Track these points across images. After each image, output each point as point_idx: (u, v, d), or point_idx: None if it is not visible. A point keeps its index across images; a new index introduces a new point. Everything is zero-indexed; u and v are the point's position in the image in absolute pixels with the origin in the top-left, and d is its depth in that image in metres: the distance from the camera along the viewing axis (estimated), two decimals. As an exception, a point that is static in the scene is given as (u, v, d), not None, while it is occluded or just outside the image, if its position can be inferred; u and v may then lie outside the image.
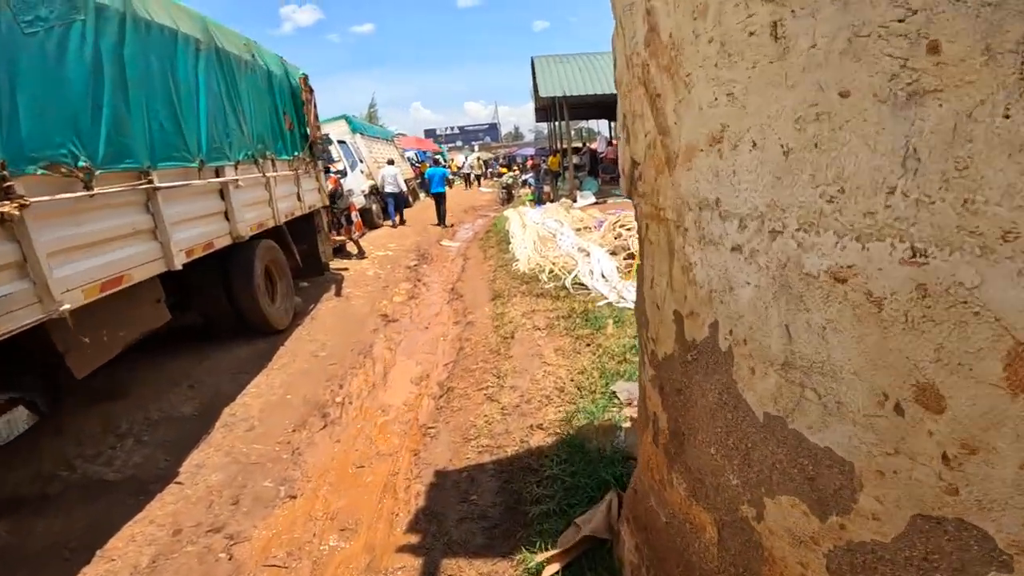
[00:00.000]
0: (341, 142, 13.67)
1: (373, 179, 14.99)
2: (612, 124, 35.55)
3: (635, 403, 4.08)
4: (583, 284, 6.66)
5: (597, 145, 19.93)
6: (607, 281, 6.59)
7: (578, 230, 9.34)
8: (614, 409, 4.04)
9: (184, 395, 5.06)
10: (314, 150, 7.30)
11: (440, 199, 14.54)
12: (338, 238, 9.89)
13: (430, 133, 60.64)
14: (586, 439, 3.63)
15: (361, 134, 15.40)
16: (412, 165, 22.76)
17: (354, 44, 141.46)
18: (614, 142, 22.40)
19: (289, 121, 6.49)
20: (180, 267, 3.80)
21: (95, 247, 3.10)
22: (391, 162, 16.08)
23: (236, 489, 3.82)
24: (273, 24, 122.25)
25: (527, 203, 17.93)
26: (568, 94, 15.38)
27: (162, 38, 3.76)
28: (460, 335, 6.26)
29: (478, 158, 23.82)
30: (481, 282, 8.10)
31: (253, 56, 5.72)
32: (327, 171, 10.49)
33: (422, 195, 21.21)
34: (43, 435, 4.15)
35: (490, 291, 7.43)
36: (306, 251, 7.56)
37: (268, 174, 5.64)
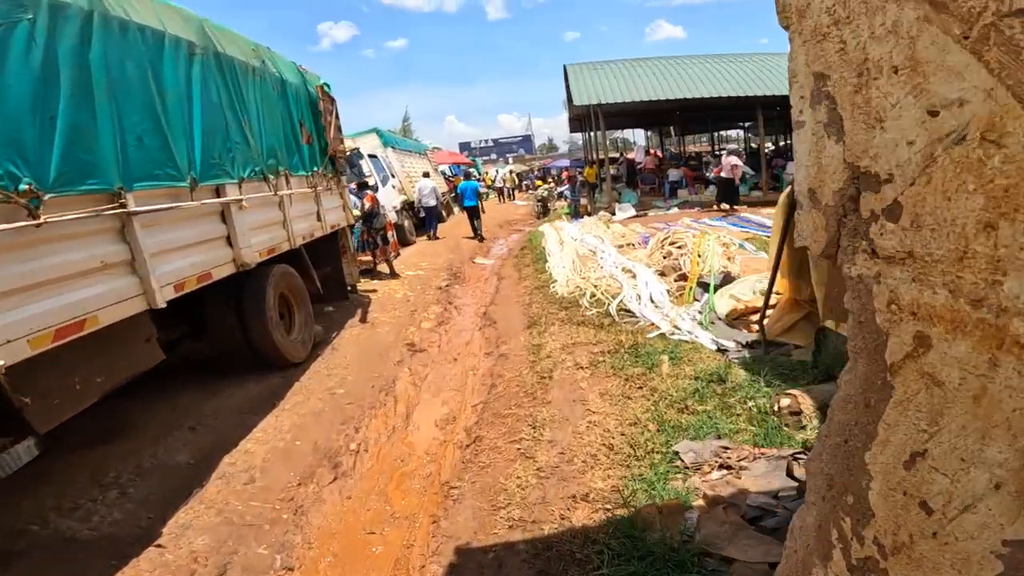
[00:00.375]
0: (372, 156, 13.29)
1: (405, 194, 14.56)
2: (648, 133, 34.60)
3: (705, 469, 3.30)
4: (629, 311, 5.88)
5: (635, 155, 19.12)
6: (657, 308, 5.80)
7: (620, 247, 8.57)
8: (678, 477, 3.27)
9: (183, 439, 4.53)
10: (336, 164, 6.78)
11: (473, 212, 14.27)
12: (364, 258, 9.36)
13: (464, 146, 60.76)
14: (645, 523, 2.86)
15: (393, 148, 15.02)
16: (446, 179, 22.44)
17: (388, 59, 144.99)
18: (653, 151, 21.57)
19: (307, 134, 5.98)
20: (164, 305, 3.24)
21: (45, 288, 2.54)
22: (427, 175, 15.85)
23: (224, 556, 3.24)
24: (312, 41, 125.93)
25: (563, 216, 17.23)
26: (604, 102, 14.65)
27: (143, 41, 3.25)
28: (492, 369, 5.58)
29: (511, 171, 23.14)
30: (516, 306, 7.41)
31: (263, 62, 5.23)
32: (363, 188, 10.06)
33: (456, 209, 20.74)
34: (27, 478, 3.66)
35: (525, 317, 6.73)
36: (329, 274, 7.03)
37: (281, 192, 5.11)
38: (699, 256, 6.25)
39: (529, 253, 10.57)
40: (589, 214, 15.97)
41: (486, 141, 67.07)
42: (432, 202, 14.09)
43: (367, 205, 9.65)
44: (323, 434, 4.62)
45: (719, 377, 4.17)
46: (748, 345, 4.81)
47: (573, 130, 28.42)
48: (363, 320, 7.31)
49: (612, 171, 22.82)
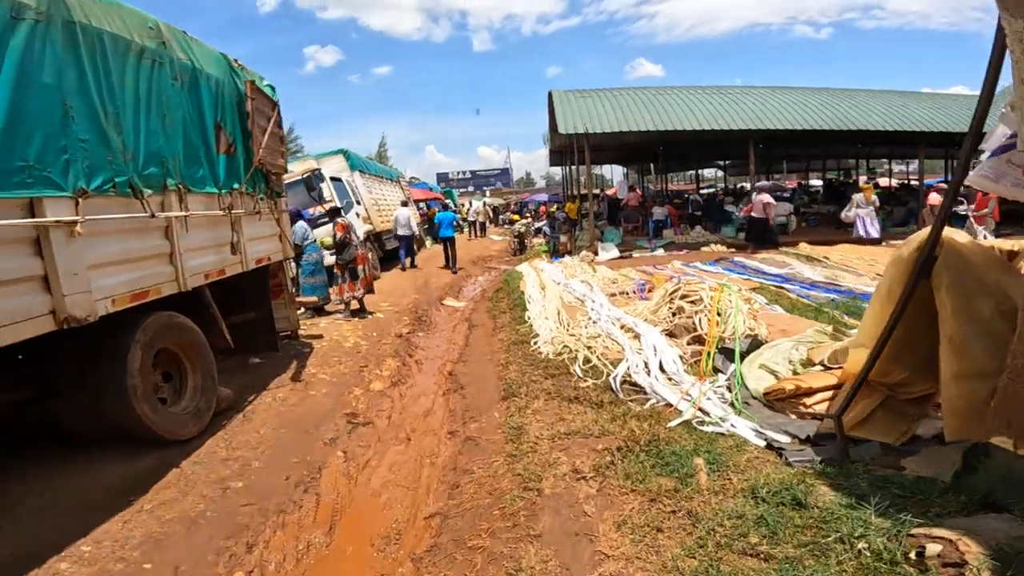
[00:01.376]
0: (335, 179, 11.87)
1: (372, 223, 13.13)
2: (625, 171, 34.09)
3: None
4: (636, 384, 4.51)
5: (617, 191, 18.15)
6: (672, 381, 4.45)
7: (613, 296, 7.29)
8: None
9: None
10: (270, 183, 5.35)
11: (450, 243, 14.09)
12: (307, 300, 7.84)
13: (442, 176, 59.80)
14: None
15: (361, 172, 13.66)
16: (420, 211, 21.16)
17: (372, 85, 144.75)
18: (637, 190, 20.72)
19: (227, 141, 4.56)
20: None
21: None
22: (405, 204, 15.22)
23: None
24: (299, 64, 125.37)
25: (542, 255, 15.98)
26: (591, 131, 13.63)
27: None
28: (456, 459, 4.11)
29: (485, 204, 21.63)
30: (489, 366, 5.97)
31: (164, 45, 3.84)
32: (335, 214, 8.62)
33: (428, 242, 19.40)
34: None
35: (501, 383, 5.29)
36: (255, 320, 5.52)
37: (167, 213, 3.63)
38: (718, 314, 4.94)
39: (505, 297, 9.19)
40: (569, 253, 14.76)
41: (464, 172, 66.38)
42: (407, 232, 13.56)
43: (338, 235, 8.23)
44: (191, 556, 3.09)
45: (794, 498, 2.79)
46: (810, 441, 3.47)
47: (553, 163, 27.60)
48: (296, 378, 5.77)
49: (593, 208, 21.90)
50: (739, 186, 29.96)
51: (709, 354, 4.77)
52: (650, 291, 7.38)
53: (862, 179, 24.11)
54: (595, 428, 3.95)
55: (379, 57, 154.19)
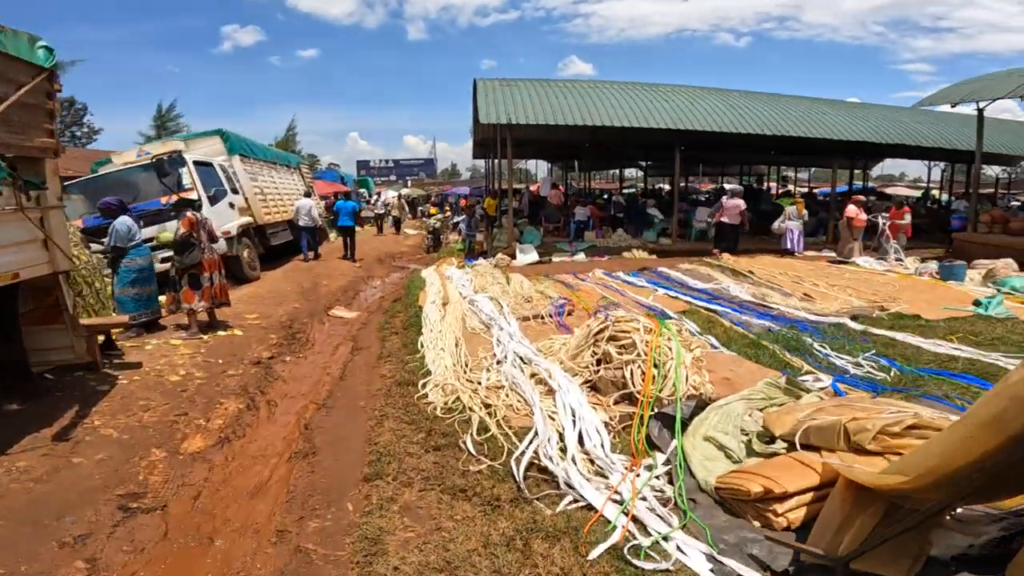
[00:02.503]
0: (203, 165, 9.74)
1: (253, 215, 11.06)
2: (550, 167, 33.19)
3: None
4: (547, 471, 3.20)
5: (539, 188, 17.00)
6: (595, 467, 3.18)
7: (526, 319, 5.96)
8: None
9: None
10: (16, 171, 3.52)
11: (348, 232, 13.59)
12: (93, 321, 5.93)
13: (363, 164, 56.50)
14: None
15: (244, 156, 11.48)
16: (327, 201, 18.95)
17: (295, 69, 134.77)
18: (560, 187, 19.69)
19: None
20: None
21: None
22: (308, 194, 14.25)
23: None
24: (213, 43, 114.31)
25: (456, 254, 14.52)
26: (514, 122, 12.28)
27: None
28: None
29: (399, 196, 19.31)
30: (360, 416, 4.47)
31: None
32: (184, 207, 6.67)
33: (332, 235, 17.33)
34: None
35: (368, 448, 3.83)
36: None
37: None
38: (655, 366, 3.73)
39: (402, 311, 7.64)
40: (484, 253, 13.40)
41: (386, 161, 63.32)
42: (310, 223, 12.76)
43: (180, 231, 6.33)
44: None
45: None
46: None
47: (477, 156, 26.06)
48: (62, 435, 3.96)
49: (514, 204, 20.65)
50: (658, 187, 29.94)
51: (642, 420, 3.53)
52: (569, 314, 6.15)
53: (774, 185, 24.58)
54: (483, 560, 2.57)
55: (305, 40, 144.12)
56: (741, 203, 11.99)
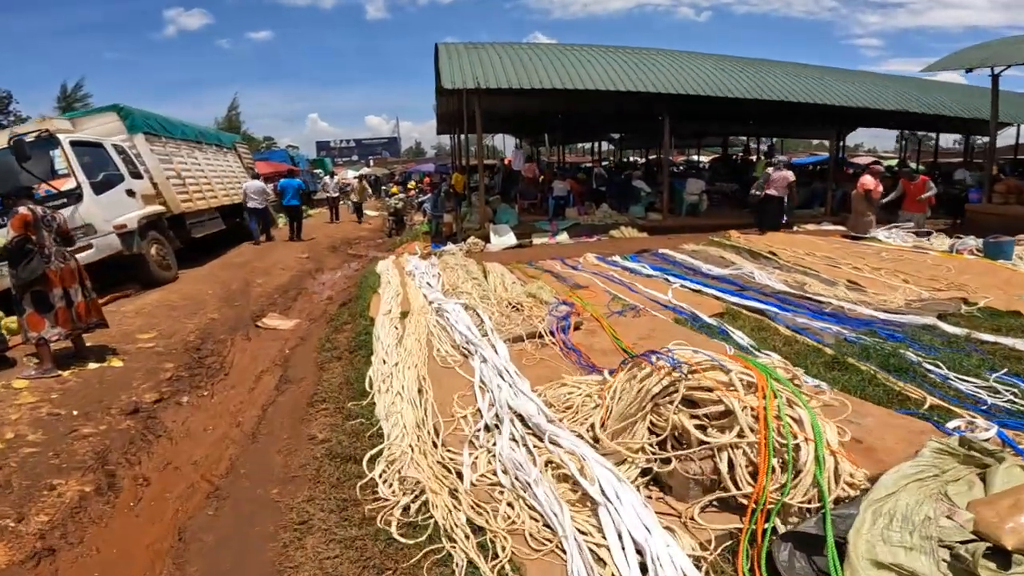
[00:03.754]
0: (88, 145, 7.55)
1: (166, 203, 8.89)
2: (518, 141, 31.04)
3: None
4: None
5: (513, 161, 15.07)
6: None
7: (518, 340, 4.15)
8: None
9: None
10: None
11: (294, 213, 12.88)
12: None
13: (323, 145, 53.02)
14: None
15: (150, 135, 9.20)
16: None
17: (246, 52, 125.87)
18: (548, 156, 17.78)
19: None
20: None
21: None
22: (257, 176, 13.40)
23: None
24: (156, 28, 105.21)
25: (421, 238, 12.57)
26: (483, 86, 10.29)
27: None
28: None
29: (360, 176, 16.32)
30: (266, 524, 2.67)
31: None
32: (19, 197, 4.62)
33: (281, 220, 15.11)
34: None
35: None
36: None
37: None
38: (770, 446, 2.00)
39: (350, 322, 5.74)
40: (454, 236, 11.51)
41: (347, 141, 59.94)
42: (260, 204, 11.97)
43: (11, 235, 4.31)
44: None
45: None
46: None
47: (441, 132, 23.81)
48: None
49: (485, 180, 18.63)
50: (632, 159, 28.21)
51: (755, 540, 1.83)
52: (577, 328, 4.38)
53: (756, 158, 23.13)
54: None
55: (256, 22, 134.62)
56: (790, 174, 10.38)
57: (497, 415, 2.89)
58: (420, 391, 3.40)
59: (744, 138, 24.50)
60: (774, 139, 25.60)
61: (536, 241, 10.87)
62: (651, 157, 24.54)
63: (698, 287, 6.03)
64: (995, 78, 11.09)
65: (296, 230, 12.80)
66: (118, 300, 7.02)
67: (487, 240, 10.71)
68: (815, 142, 32.35)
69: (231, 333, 6.17)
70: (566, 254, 8.77)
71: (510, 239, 10.84)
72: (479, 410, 3.07)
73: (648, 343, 3.95)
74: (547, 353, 4.00)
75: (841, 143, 24.75)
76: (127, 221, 7.34)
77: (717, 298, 5.58)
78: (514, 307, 4.77)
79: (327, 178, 16.61)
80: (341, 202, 18.13)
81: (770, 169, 10.64)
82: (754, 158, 20.37)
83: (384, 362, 3.95)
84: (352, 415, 3.59)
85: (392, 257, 8.61)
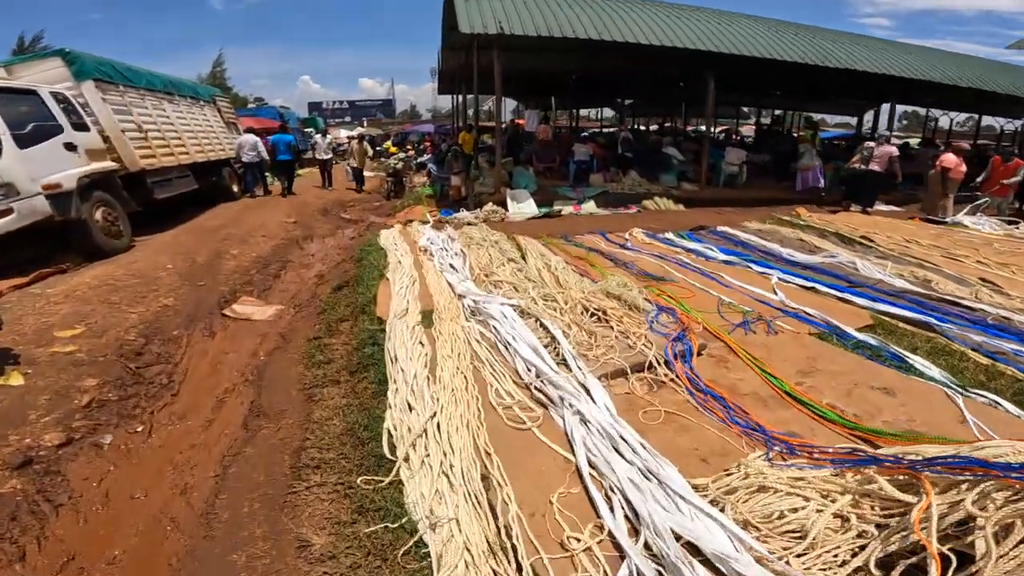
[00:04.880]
0: (21, 92, 5.84)
1: (120, 158, 7.15)
2: (520, 106, 28.88)
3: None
4: None
5: (526, 122, 13.31)
6: None
7: (617, 376, 2.63)
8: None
9: None
10: None
11: (286, 167, 12.33)
12: None
13: (315, 107, 49.91)
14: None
15: (103, 82, 7.38)
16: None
17: (238, 12, 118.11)
18: (554, 121, 16.02)
19: None
20: None
21: None
22: (251, 130, 12.72)
23: None
24: None
25: (425, 201, 10.93)
26: (509, 31, 8.51)
27: None
28: None
29: (360, 137, 13.85)
30: None
31: None
32: None
33: (270, 179, 13.29)
34: None
35: None
36: None
37: None
38: None
39: (351, 320, 4.17)
40: (464, 200, 9.89)
41: (341, 103, 56.93)
42: (255, 158, 11.59)
43: None
44: None
45: None
46: None
47: (443, 91, 21.68)
48: None
49: (490, 142, 16.77)
50: (642, 127, 26.31)
51: None
52: (699, 354, 2.87)
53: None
54: None
55: None
56: (893, 149, 9.03)
57: (652, 549, 1.42)
58: (486, 478, 1.90)
59: (770, 111, 22.68)
60: (796, 112, 23.75)
61: (560, 209, 9.28)
62: (667, 124, 22.66)
63: (810, 284, 4.53)
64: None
65: (288, 184, 12.24)
66: (46, 279, 5.39)
67: (504, 207, 9.11)
68: (832, 119, 30.45)
69: (188, 326, 4.60)
70: (605, 227, 7.22)
71: (530, 206, 9.23)
72: (608, 531, 1.59)
73: (817, 381, 2.49)
74: (669, 398, 2.51)
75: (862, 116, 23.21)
76: (62, 180, 5.63)
77: (845, 300, 4.10)
78: (585, 307, 3.24)
79: (318, 136, 14.55)
80: (335, 163, 16.15)
81: (872, 144, 9.29)
82: (796, 131, 18.64)
83: (410, 407, 2.43)
84: (367, 505, 2.10)
85: (398, 226, 6.98)
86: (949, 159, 8.47)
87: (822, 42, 10.99)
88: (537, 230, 7.08)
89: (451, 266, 4.54)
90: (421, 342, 2.95)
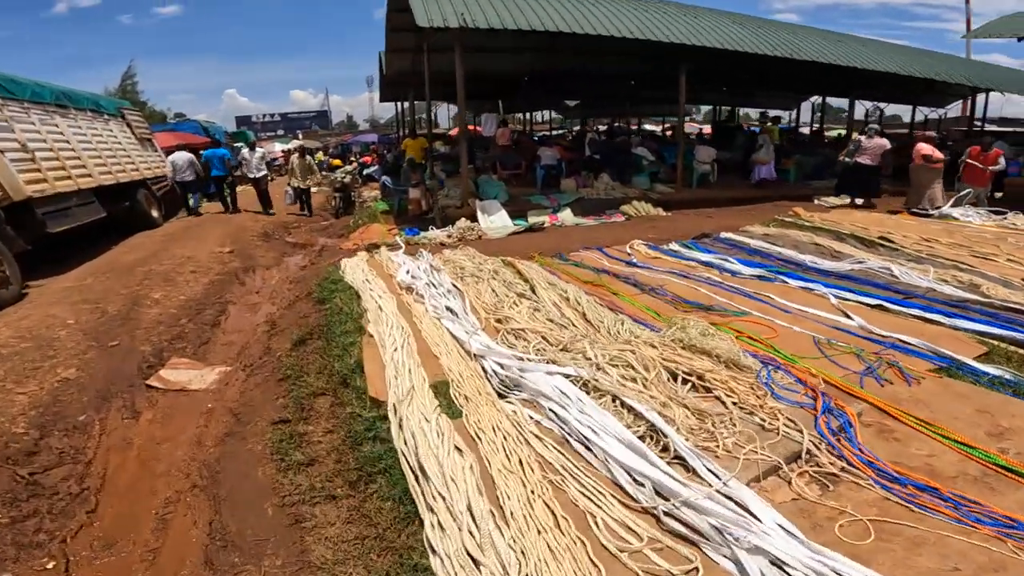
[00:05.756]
0: None
1: None
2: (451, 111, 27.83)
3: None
4: None
5: (483, 126, 12.45)
6: None
7: (770, 473, 1.82)
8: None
9: None
10: None
11: (222, 183, 11.37)
12: None
13: (244, 120, 46.97)
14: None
15: None
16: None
17: (152, 27, 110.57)
18: (512, 125, 15.26)
19: None
20: None
21: None
22: (184, 148, 11.76)
23: None
24: (44, 6, 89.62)
25: (380, 219, 9.88)
26: (473, 25, 7.62)
27: None
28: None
29: (300, 149, 11.56)
30: None
31: None
32: None
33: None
34: None
35: None
36: None
37: None
38: None
39: (324, 379, 3.15)
40: (427, 216, 8.95)
41: (272, 116, 54.31)
42: (191, 176, 10.94)
43: None
44: None
45: None
46: None
47: (386, 98, 20.46)
48: None
49: (443, 149, 15.76)
50: (596, 128, 25.94)
51: None
52: (844, 436, 2.10)
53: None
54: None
55: None
56: (885, 142, 8.80)
57: None
58: None
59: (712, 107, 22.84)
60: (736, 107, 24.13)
61: (534, 219, 8.46)
62: (616, 125, 22.33)
63: (877, 301, 3.90)
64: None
65: (232, 202, 11.40)
66: None
67: (473, 219, 8.21)
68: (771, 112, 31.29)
69: (101, 407, 3.45)
70: (598, 240, 6.46)
71: (503, 219, 8.37)
72: None
73: (1019, 442, 1.76)
74: (857, 497, 1.74)
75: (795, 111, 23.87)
76: None
77: (925, 320, 3.49)
78: (685, 380, 2.39)
79: (245, 151, 11.72)
80: (271, 179, 14.45)
81: (862, 137, 9.00)
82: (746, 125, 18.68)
83: (476, 561, 1.51)
84: None
85: (362, 254, 5.91)
86: (925, 147, 8.31)
87: (784, 35, 10.79)
88: (524, 248, 6.22)
89: (448, 310, 3.59)
90: (458, 448, 2.02)
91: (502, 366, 2.64)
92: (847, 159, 8.85)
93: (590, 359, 2.52)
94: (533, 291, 3.96)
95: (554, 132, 25.97)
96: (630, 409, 2.16)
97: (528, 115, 23.90)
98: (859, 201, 8.91)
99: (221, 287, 6.12)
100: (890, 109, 22.84)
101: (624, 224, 7.91)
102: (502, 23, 7.92)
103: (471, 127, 15.90)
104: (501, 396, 2.50)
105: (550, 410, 2.24)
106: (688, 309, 3.72)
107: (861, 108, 24.11)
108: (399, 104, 20.01)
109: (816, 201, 9.82)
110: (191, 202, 11.20)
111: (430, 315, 3.53)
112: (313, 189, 12.48)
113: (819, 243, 5.89)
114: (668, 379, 2.39)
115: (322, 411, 2.92)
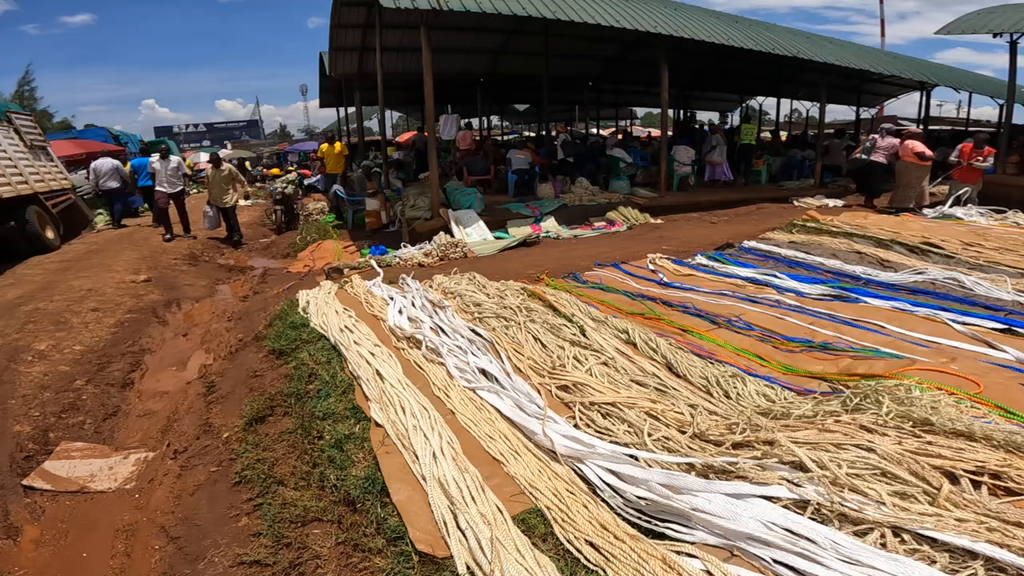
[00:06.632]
0: None
1: None
2: (399, 116, 26.46)
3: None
4: None
5: (442, 128, 11.31)
6: None
7: None
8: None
9: None
10: None
11: (151, 194, 9.62)
12: None
13: (164, 131, 43.24)
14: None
15: None
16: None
17: (60, 36, 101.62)
18: (472, 130, 14.24)
19: None
20: None
21: None
22: (108, 154, 11.17)
23: None
24: None
25: (332, 233, 8.62)
26: (446, 7, 6.57)
27: None
28: None
29: (215, 159, 9.20)
30: None
31: None
32: None
33: (100, 219, 9.93)
34: None
35: None
36: None
37: None
38: None
39: (314, 494, 1.96)
40: (389, 229, 7.80)
41: (196, 126, 50.99)
42: (114, 184, 9.66)
43: None
44: None
45: None
46: None
47: (326, 103, 18.83)
48: None
49: (398, 155, 14.44)
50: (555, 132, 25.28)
51: None
52: None
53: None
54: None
55: (70, 6, 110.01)
56: (897, 141, 8.39)
57: None
58: None
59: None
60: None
61: (516, 231, 7.45)
62: (571, 128, 21.73)
63: (1002, 324, 3.15)
64: (1013, 44, 10.14)
65: (158, 215, 9.45)
66: None
67: (449, 233, 7.12)
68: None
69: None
70: (606, 254, 5.53)
71: (483, 231, 7.32)
72: None
73: None
74: None
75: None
76: None
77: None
78: (974, 481, 1.41)
79: (155, 160, 8.81)
80: (187, 197, 11.75)
81: (875, 136, 8.67)
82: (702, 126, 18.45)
83: None
84: None
85: (328, 285, 4.65)
86: (915, 144, 8.02)
87: (767, 33, 10.44)
88: (524, 267, 5.19)
89: (482, 372, 2.48)
90: None
91: (620, 476, 1.61)
92: (863, 156, 8.61)
93: (796, 462, 1.48)
94: (583, 333, 2.94)
95: (527, 135, 25.28)
96: (934, 543, 1.15)
97: (486, 120, 22.95)
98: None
99: (134, 330, 4.69)
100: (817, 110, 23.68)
101: (627, 234, 7.04)
102: (479, 6, 6.91)
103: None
104: (650, 533, 1.46)
105: (774, 560, 1.21)
106: (792, 348, 2.83)
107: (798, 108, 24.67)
108: (343, 108, 18.51)
109: (795, 203, 9.44)
110: (116, 207, 9.96)
111: (458, 383, 2.42)
112: (242, 203, 10.85)
113: (861, 251, 5.23)
114: (937, 488, 1.42)
115: (325, 555, 1.75)
